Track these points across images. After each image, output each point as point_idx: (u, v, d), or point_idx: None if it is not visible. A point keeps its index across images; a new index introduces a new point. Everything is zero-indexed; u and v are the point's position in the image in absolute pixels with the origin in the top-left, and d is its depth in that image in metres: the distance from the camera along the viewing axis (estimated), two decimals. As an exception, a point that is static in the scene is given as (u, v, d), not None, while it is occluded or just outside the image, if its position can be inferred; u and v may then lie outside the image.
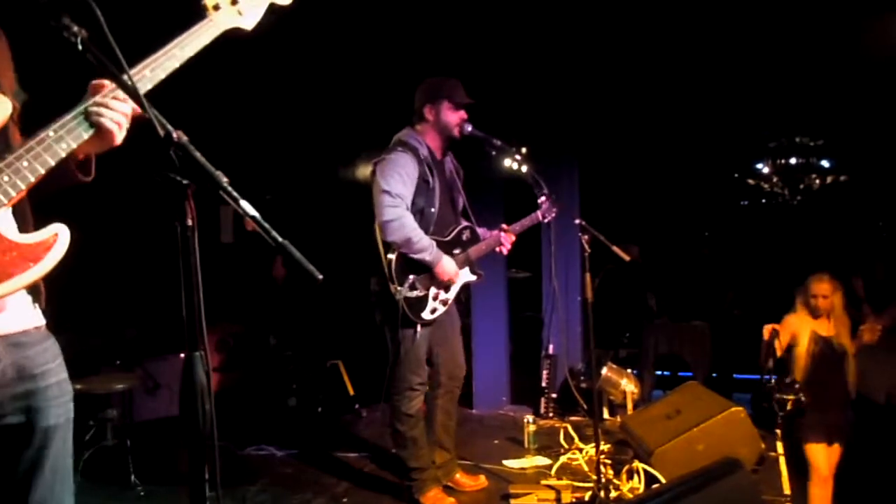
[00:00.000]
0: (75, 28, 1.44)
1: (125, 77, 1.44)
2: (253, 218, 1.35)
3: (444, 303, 3.69)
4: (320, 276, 1.36)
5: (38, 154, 1.50)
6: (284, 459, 4.63)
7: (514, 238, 3.87)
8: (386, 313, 3.60)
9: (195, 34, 1.71)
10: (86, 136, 1.56)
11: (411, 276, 3.54)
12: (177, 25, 1.71)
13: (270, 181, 6.39)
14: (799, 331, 4.25)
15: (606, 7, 5.16)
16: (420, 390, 3.70)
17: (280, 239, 1.35)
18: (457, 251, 3.73)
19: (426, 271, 3.57)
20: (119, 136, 1.60)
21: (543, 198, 3.87)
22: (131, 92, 1.45)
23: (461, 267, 3.71)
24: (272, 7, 1.86)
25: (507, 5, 5.08)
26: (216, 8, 1.74)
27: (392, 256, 3.50)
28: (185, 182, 1.35)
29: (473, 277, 3.83)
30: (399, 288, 3.49)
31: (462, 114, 3.68)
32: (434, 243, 3.57)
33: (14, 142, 1.59)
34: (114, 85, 1.57)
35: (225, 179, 1.35)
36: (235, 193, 1.35)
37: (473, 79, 4.02)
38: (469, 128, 3.69)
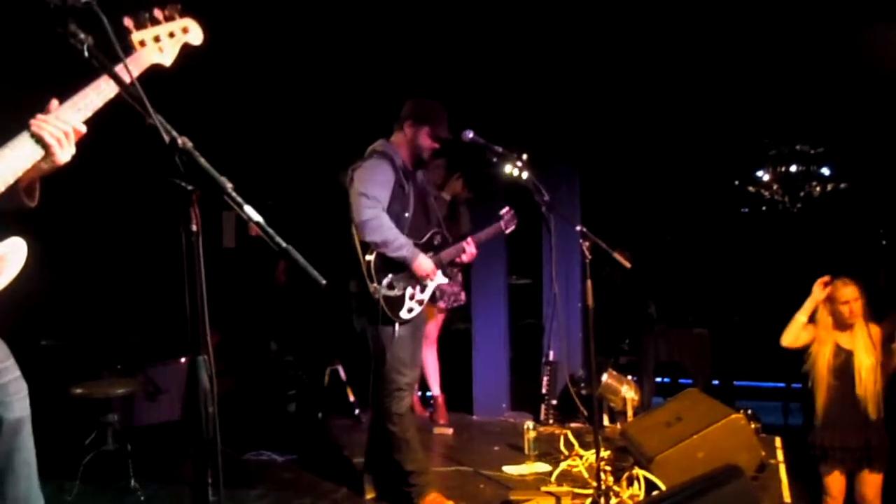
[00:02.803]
0: (82, 35, 1.45)
1: (130, 82, 1.46)
2: (257, 223, 1.37)
3: (420, 303, 3.78)
4: (324, 282, 1.38)
5: None
6: (284, 465, 4.63)
7: (474, 251, 3.90)
8: (367, 314, 3.67)
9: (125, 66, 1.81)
10: (38, 154, 1.65)
11: (389, 275, 3.63)
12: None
13: (272, 186, 6.40)
14: (819, 343, 3.95)
15: (607, 14, 5.18)
16: (408, 390, 3.75)
17: (284, 244, 1.37)
18: (429, 254, 3.82)
19: (403, 271, 3.66)
20: (60, 154, 1.68)
21: (505, 209, 4.00)
22: (135, 97, 1.46)
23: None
24: (187, 46, 1.99)
25: (508, 12, 5.10)
26: (142, 44, 1.86)
27: (371, 257, 3.60)
28: (189, 188, 1.36)
29: (446, 280, 3.96)
30: (377, 287, 3.58)
31: (436, 145, 3.76)
32: (411, 241, 3.67)
33: None
34: (59, 105, 1.69)
35: (229, 185, 1.37)
36: (240, 199, 1.37)
37: (474, 85, 4.04)
38: (470, 134, 3.73)
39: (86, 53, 1.44)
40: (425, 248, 3.80)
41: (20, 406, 1.80)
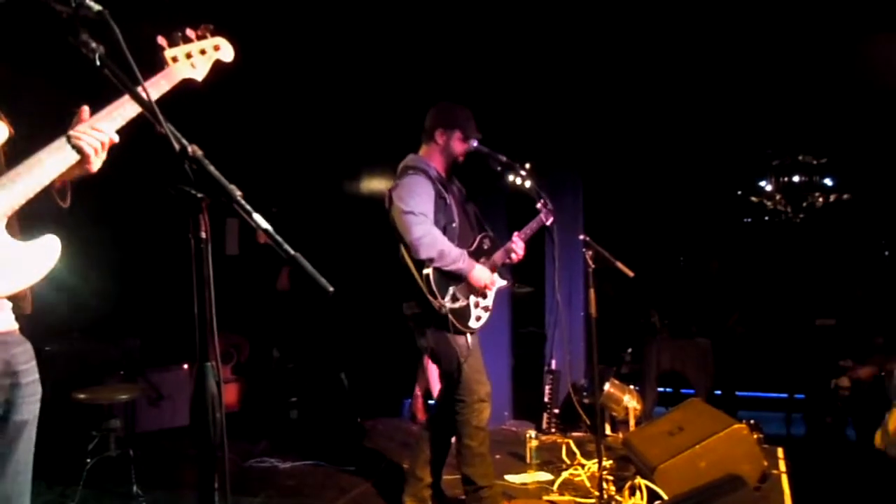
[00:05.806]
0: (93, 44, 1.47)
1: (142, 92, 1.48)
2: (266, 231, 1.38)
3: (486, 309, 3.69)
4: (331, 289, 1.39)
5: (35, 172, 1.68)
6: (287, 471, 4.64)
7: (523, 246, 3.83)
8: (434, 331, 3.57)
9: (159, 80, 1.90)
10: (73, 159, 1.72)
11: (451, 288, 3.54)
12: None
13: (276, 194, 6.43)
14: None
15: (611, 25, 5.20)
16: (488, 400, 3.63)
17: (292, 252, 1.38)
18: (482, 260, 3.74)
19: (463, 281, 3.58)
20: (95, 163, 1.77)
21: (540, 203, 3.87)
22: (147, 106, 1.48)
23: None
24: (218, 63, 2.05)
25: (512, 23, 5.13)
26: (174, 60, 1.94)
27: (428, 272, 3.49)
28: (199, 195, 1.38)
29: (504, 282, 3.84)
30: (443, 301, 3.49)
31: (472, 146, 3.71)
32: (465, 252, 3.59)
33: (3, 165, 1.76)
34: (90, 111, 1.76)
35: (238, 193, 1.39)
36: (249, 207, 1.38)
37: (478, 96, 4.05)
38: (474, 143, 3.72)
39: (97, 63, 1.46)
40: (476, 254, 3.73)
41: (28, 409, 1.80)
